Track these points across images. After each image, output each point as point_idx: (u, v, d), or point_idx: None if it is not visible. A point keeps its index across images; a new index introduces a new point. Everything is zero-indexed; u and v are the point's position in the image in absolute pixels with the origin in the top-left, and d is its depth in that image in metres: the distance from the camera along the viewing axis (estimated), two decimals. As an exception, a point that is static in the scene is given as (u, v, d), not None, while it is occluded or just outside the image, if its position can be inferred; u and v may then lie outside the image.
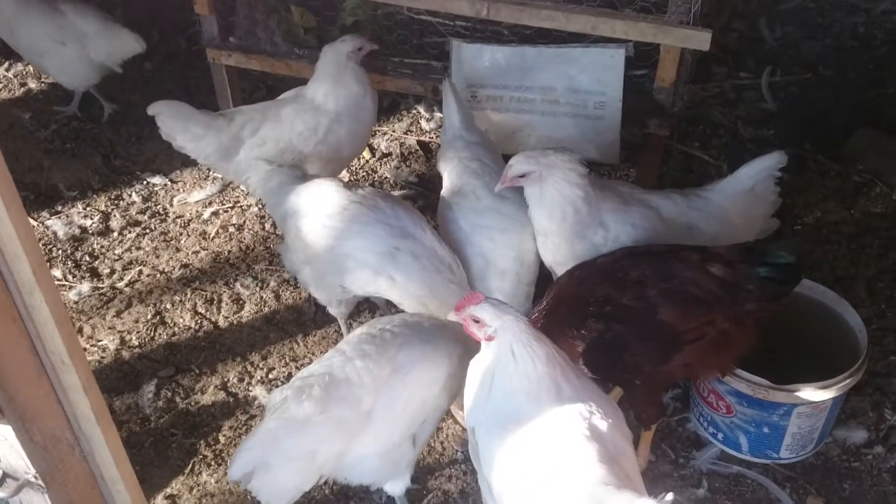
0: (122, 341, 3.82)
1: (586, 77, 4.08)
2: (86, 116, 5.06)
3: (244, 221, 4.42)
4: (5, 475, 2.00)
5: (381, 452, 2.76)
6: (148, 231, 4.38)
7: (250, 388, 3.60)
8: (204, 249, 4.27)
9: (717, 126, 4.93)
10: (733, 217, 3.42)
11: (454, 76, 4.18)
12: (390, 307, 3.51)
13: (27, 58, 4.96)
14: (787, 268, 2.94)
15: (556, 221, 3.22)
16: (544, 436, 2.42)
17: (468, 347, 2.84)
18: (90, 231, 4.37)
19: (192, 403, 3.56)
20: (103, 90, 5.07)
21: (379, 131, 4.90)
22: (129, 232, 4.37)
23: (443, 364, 2.83)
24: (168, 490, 3.24)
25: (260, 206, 4.44)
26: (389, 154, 4.82)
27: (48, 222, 4.39)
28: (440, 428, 3.40)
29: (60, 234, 4.32)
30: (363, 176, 4.70)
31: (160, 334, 3.85)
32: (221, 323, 3.90)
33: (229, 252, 4.25)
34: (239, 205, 4.52)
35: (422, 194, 4.53)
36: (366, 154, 4.75)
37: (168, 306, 3.97)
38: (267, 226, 4.37)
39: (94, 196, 4.58)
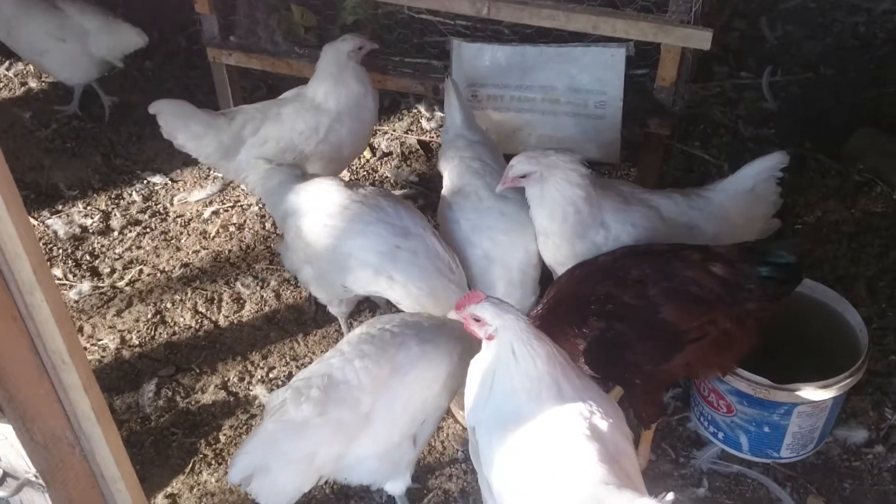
0: (123, 340, 3.82)
1: (587, 76, 4.08)
2: (86, 116, 5.06)
3: (245, 221, 4.42)
4: (5, 474, 2.00)
5: (381, 453, 2.75)
6: (148, 230, 4.38)
7: (251, 388, 3.60)
8: (204, 249, 4.27)
9: (718, 125, 4.93)
10: (734, 217, 3.42)
11: (455, 75, 4.18)
12: (390, 306, 3.51)
13: (26, 57, 4.95)
14: (787, 267, 2.94)
15: (558, 221, 3.22)
16: (545, 435, 2.42)
17: (468, 346, 2.84)
18: (90, 230, 4.37)
19: (193, 402, 3.56)
20: (104, 87, 5.07)
21: (379, 130, 4.90)
22: (130, 231, 4.37)
23: (443, 363, 2.82)
24: (168, 489, 3.24)
25: (260, 206, 4.44)
26: (390, 153, 4.82)
27: (49, 221, 4.39)
28: (440, 427, 3.40)
29: (61, 233, 4.32)
30: (364, 175, 4.70)
31: (160, 333, 3.85)
32: (222, 322, 3.90)
33: (230, 251, 4.25)
34: (239, 204, 4.52)
35: (422, 194, 4.53)
36: (366, 153, 4.75)
37: (168, 305, 3.97)
38: (267, 225, 4.37)
39: (95, 195, 4.58)
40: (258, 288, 4.04)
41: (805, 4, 5.80)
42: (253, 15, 4.53)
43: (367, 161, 4.76)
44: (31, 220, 4.19)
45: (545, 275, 3.52)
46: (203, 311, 3.95)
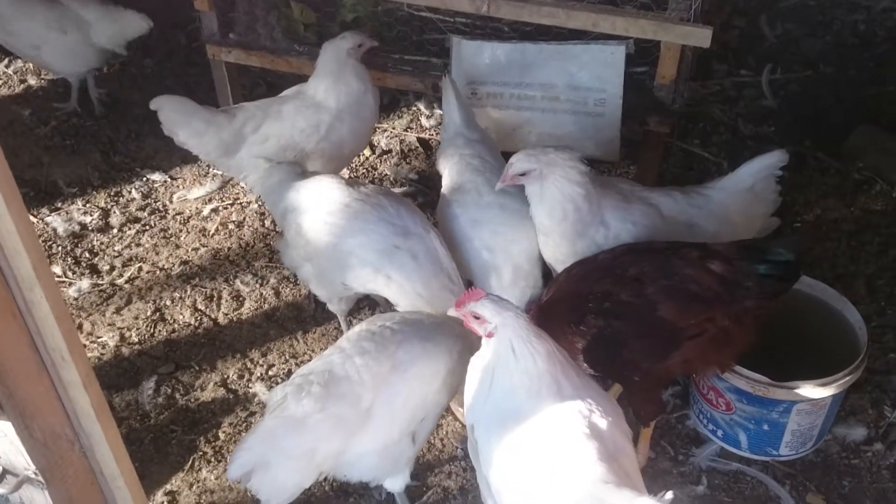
0: (122, 338, 3.82)
1: (587, 74, 4.07)
2: (85, 113, 5.05)
3: (244, 218, 4.42)
4: (5, 471, 2.00)
5: (381, 449, 2.76)
6: (148, 228, 4.38)
7: (250, 385, 3.60)
8: (204, 246, 4.26)
9: (718, 123, 4.93)
10: (733, 215, 3.42)
11: (454, 73, 4.18)
12: (390, 304, 3.51)
13: (23, 52, 4.91)
14: (786, 265, 2.94)
15: (557, 219, 3.22)
16: (544, 433, 2.42)
17: (468, 344, 2.85)
18: (90, 227, 4.37)
19: (192, 400, 3.56)
20: (102, 84, 5.06)
21: (379, 128, 4.90)
22: (129, 228, 4.37)
23: (442, 360, 2.83)
24: (168, 486, 3.25)
25: (260, 203, 4.44)
26: (389, 151, 4.82)
27: (48, 219, 4.39)
28: (440, 425, 3.40)
29: (60, 230, 4.32)
30: (363, 173, 4.69)
31: (160, 331, 3.85)
32: (221, 320, 3.90)
33: (229, 249, 4.25)
34: (239, 201, 4.52)
35: (422, 191, 4.53)
36: (366, 151, 4.75)
37: (168, 303, 3.97)
38: (267, 222, 4.37)
39: (94, 193, 4.58)
40: (257, 285, 4.04)
41: (805, 2, 5.80)
42: (252, 12, 4.52)
43: (367, 159, 4.76)
44: (31, 218, 4.19)
45: (545, 273, 3.52)
46: (202, 308, 3.95)
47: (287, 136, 3.95)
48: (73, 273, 4.11)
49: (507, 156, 3.39)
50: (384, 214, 3.29)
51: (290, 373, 3.55)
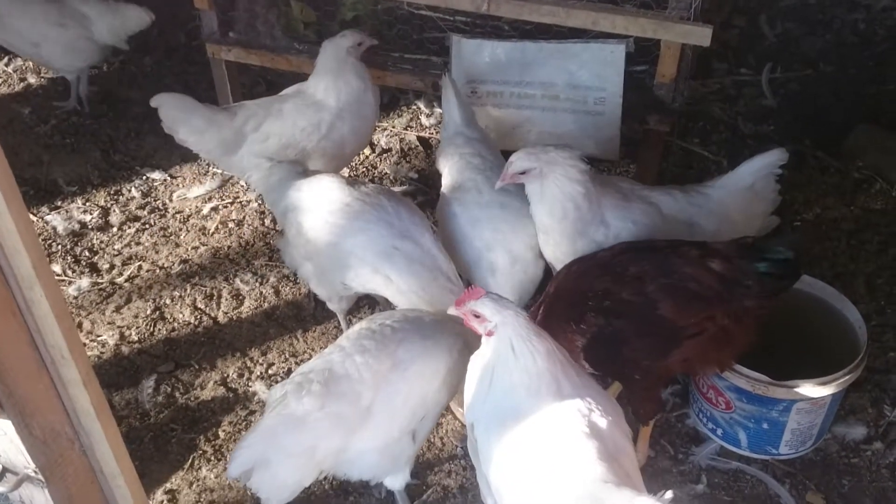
0: (122, 336, 3.82)
1: (586, 73, 4.07)
2: (85, 111, 5.05)
3: (244, 217, 4.42)
4: (5, 470, 2.00)
5: (381, 448, 2.76)
6: (147, 226, 4.38)
7: (250, 384, 3.60)
8: (203, 245, 4.26)
9: (717, 122, 4.93)
10: (733, 214, 3.42)
11: (454, 72, 4.18)
12: (390, 303, 3.51)
13: (22, 50, 4.89)
14: (785, 264, 2.94)
15: (557, 218, 3.22)
16: (543, 432, 2.42)
17: (468, 342, 2.85)
18: (90, 226, 4.37)
19: (192, 399, 3.56)
20: (102, 83, 5.06)
21: (379, 127, 4.90)
22: (129, 227, 4.37)
23: (442, 359, 2.83)
24: (168, 485, 3.25)
25: (259, 202, 4.44)
26: (389, 150, 4.82)
27: (48, 217, 4.39)
28: (440, 423, 3.40)
29: (60, 229, 4.32)
30: (363, 172, 4.69)
31: (160, 329, 3.85)
32: (221, 318, 3.90)
33: (229, 247, 4.25)
34: (238, 200, 4.52)
35: (421, 190, 4.53)
36: (366, 150, 4.75)
37: (167, 302, 3.97)
38: (267, 221, 4.37)
39: (94, 191, 4.58)
40: (257, 284, 4.04)
41: (805, 1, 5.80)
42: (252, 10, 4.52)
43: (367, 157, 4.76)
44: (31, 216, 4.19)
45: (545, 271, 3.52)
46: (202, 307, 3.95)
47: (288, 135, 3.94)
48: (73, 272, 4.11)
49: (506, 155, 3.39)
50: (384, 215, 3.29)
51: (289, 371, 3.55)
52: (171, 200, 4.53)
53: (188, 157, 4.56)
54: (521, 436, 2.43)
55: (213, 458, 3.33)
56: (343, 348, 2.78)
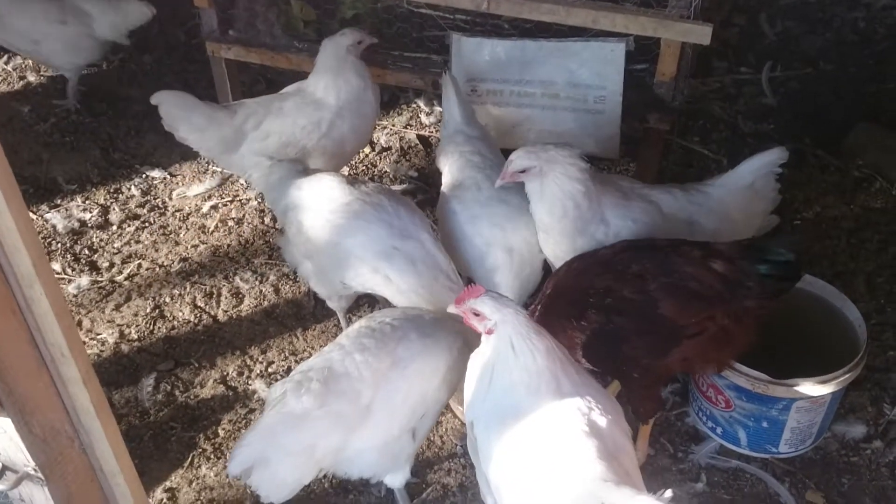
0: (122, 335, 3.81)
1: (587, 71, 4.07)
2: (84, 110, 5.05)
3: (243, 215, 4.42)
4: (4, 468, 2.00)
5: (381, 446, 2.76)
6: (147, 224, 4.38)
7: (249, 382, 3.60)
8: (203, 243, 4.26)
9: (717, 121, 4.93)
10: (733, 212, 3.42)
11: (454, 70, 4.17)
12: (390, 302, 3.50)
13: (21, 48, 4.88)
14: (786, 265, 2.94)
15: (557, 216, 3.22)
16: (543, 431, 2.42)
17: (468, 340, 2.84)
18: (89, 224, 4.37)
19: (192, 397, 3.56)
20: (99, 82, 5.06)
21: (378, 125, 4.89)
22: (129, 225, 4.37)
23: (442, 357, 2.83)
24: (167, 483, 3.25)
25: (259, 200, 4.44)
26: (389, 148, 4.81)
27: (47, 216, 4.38)
28: (439, 422, 3.40)
29: (59, 227, 4.31)
30: (363, 170, 4.69)
31: (159, 328, 3.85)
32: (221, 317, 3.90)
33: (228, 246, 4.24)
34: (238, 198, 4.52)
35: (421, 188, 4.53)
36: (365, 148, 4.74)
37: (167, 300, 3.97)
38: (266, 220, 4.37)
39: (93, 189, 4.58)
40: (257, 283, 4.04)
41: (805, 0, 5.80)
42: (252, 9, 4.52)
43: (366, 156, 4.76)
44: (31, 215, 4.19)
45: (545, 269, 3.52)
46: (202, 305, 3.95)
47: (288, 133, 3.94)
48: (73, 270, 4.11)
49: (506, 153, 3.39)
50: (384, 215, 3.29)
51: (289, 370, 3.55)
52: (170, 199, 4.53)
53: (188, 155, 4.56)
54: (521, 434, 2.43)
55: (212, 456, 3.33)
56: (343, 346, 2.78)
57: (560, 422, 2.42)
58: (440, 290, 3.20)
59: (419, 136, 4.88)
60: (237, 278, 4.06)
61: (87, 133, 4.93)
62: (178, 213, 4.44)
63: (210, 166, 4.66)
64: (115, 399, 3.53)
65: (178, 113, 3.92)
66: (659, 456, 3.31)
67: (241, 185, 4.54)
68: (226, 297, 3.98)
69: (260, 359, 3.70)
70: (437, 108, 4.92)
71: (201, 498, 3.20)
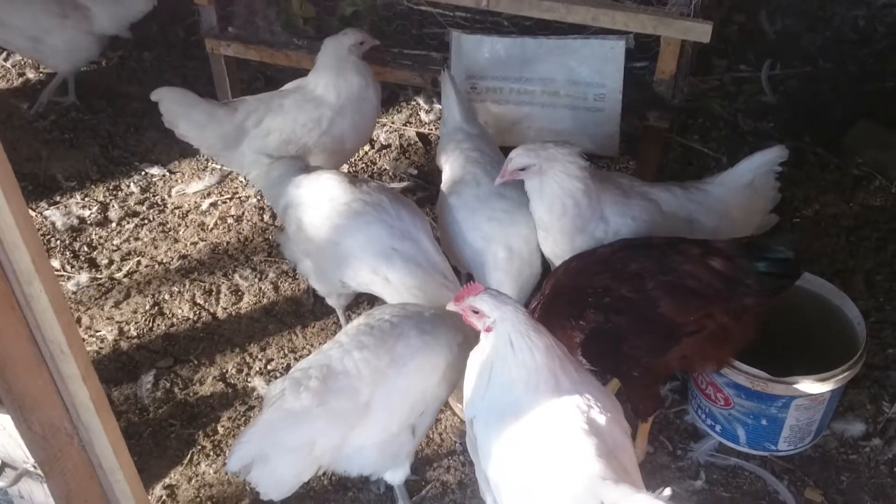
0: (121, 332, 3.81)
1: (586, 69, 4.07)
2: (84, 106, 5.05)
3: (243, 213, 4.42)
4: (4, 465, 2.00)
5: (380, 443, 2.76)
6: (146, 222, 4.38)
7: (249, 379, 3.60)
8: (202, 240, 4.26)
9: (717, 119, 4.93)
10: (733, 210, 3.42)
11: (454, 67, 4.17)
12: (389, 299, 3.51)
13: (20, 46, 4.86)
14: (786, 263, 2.94)
15: (557, 215, 3.22)
16: (542, 428, 2.42)
17: (467, 337, 2.84)
18: (88, 221, 4.37)
19: (191, 394, 3.56)
20: (101, 78, 5.06)
21: (378, 123, 4.89)
22: (128, 222, 4.37)
23: (442, 354, 2.83)
24: (167, 480, 3.25)
25: (259, 198, 4.44)
26: (388, 146, 4.81)
27: (47, 213, 4.38)
28: (439, 419, 3.40)
29: (59, 224, 4.31)
30: (362, 168, 4.69)
31: (159, 325, 3.85)
32: (220, 314, 3.90)
33: (228, 243, 4.24)
34: (237, 196, 4.51)
35: (421, 186, 4.53)
36: (365, 146, 4.74)
37: (166, 297, 3.97)
38: (266, 217, 4.37)
39: (93, 186, 4.57)
40: (256, 280, 4.04)
41: (805, -2, 5.81)
42: (251, 6, 4.52)
43: (366, 153, 4.75)
44: (30, 212, 4.17)
45: (545, 268, 3.52)
46: (201, 302, 3.95)
47: (288, 130, 3.94)
48: (72, 267, 4.10)
49: (506, 151, 3.39)
50: (384, 215, 3.28)
51: (288, 367, 3.55)
52: (169, 196, 4.53)
53: (187, 152, 4.56)
54: (520, 432, 2.43)
55: (212, 453, 3.33)
56: (342, 344, 2.78)
57: (559, 419, 2.42)
58: (438, 290, 3.20)
59: (419, 134, 4.88)
60: (236, 275, 4.06)
61: (86, 130, 4.93)
62: (177, 211, 4.44)
63: (209, 163, 4.66)
64: (114, 396, 3.53)
65: (178, 110, 3.91)
66: (658, 454, 3.31)
67: (241, 182, 4.53)
68: (225, 295, 3.98)
69: (259, 356, 3.70)
70: (437, 106, 4.92)
71: (200, 495, 3.20)
